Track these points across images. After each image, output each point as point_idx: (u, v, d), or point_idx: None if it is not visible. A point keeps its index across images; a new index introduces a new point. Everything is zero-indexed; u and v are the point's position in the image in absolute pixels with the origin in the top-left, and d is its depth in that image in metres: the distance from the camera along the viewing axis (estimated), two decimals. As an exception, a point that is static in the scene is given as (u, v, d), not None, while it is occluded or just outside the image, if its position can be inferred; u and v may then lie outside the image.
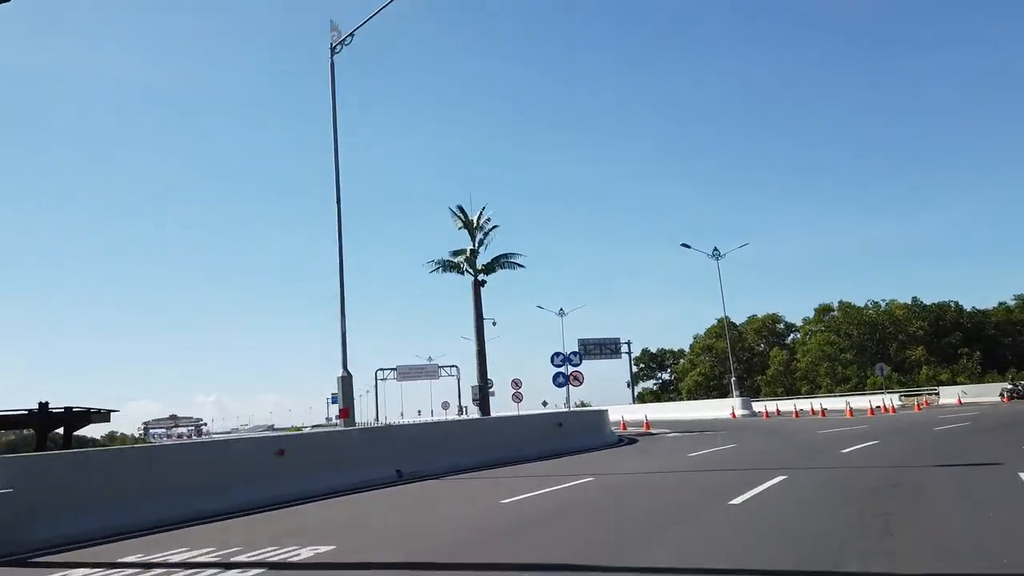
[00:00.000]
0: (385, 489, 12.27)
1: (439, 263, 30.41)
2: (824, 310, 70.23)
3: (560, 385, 37.01)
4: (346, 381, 15.23)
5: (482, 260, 30.38)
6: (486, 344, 29.86)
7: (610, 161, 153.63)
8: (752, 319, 79.70)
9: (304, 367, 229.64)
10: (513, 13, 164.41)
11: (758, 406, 46.19)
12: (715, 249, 41.98)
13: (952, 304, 65.70)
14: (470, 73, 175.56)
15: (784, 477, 10.16)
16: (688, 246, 42.28)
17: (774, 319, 79.10)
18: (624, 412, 45.56)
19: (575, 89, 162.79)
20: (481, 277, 30.20)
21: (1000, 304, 69.86)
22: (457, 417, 59.94)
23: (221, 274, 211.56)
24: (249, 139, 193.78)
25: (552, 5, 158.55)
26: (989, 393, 41.70)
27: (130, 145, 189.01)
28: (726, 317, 65.79)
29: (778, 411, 41.17)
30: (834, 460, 12.68)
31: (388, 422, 75.00)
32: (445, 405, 62.21)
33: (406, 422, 70.51)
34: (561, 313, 63.04)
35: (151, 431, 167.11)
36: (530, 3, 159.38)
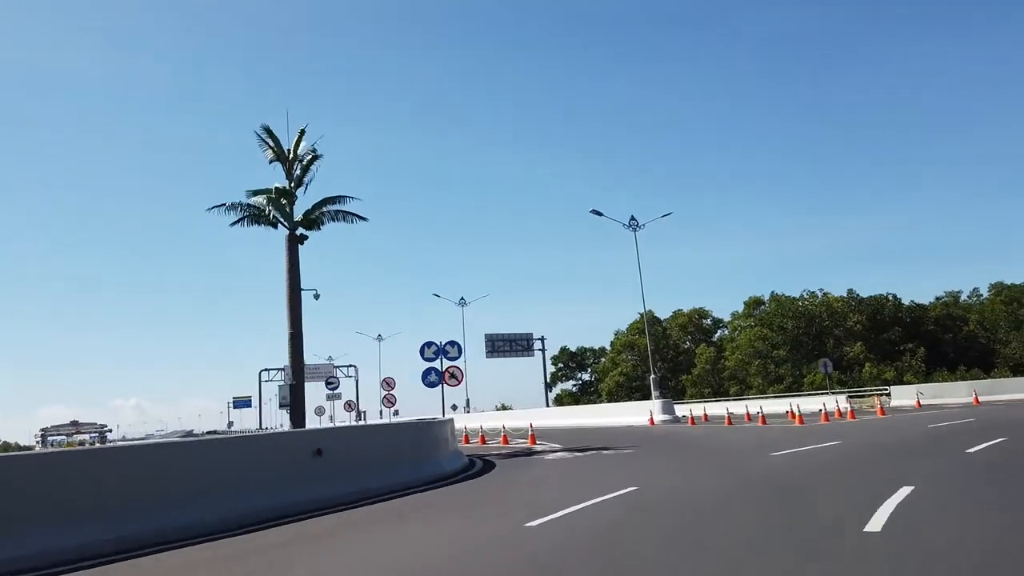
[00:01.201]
0: None
1: (240, 210, 21.28)
2: (754, 303, 63.91)
3: (432, 384, 28.51)
4: None
5: (302, 207, 21.54)
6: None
7: (533, 162, 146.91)
8: (677, 314, 72.95)
9: (228, 368, 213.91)
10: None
11: (683, 409, 38.81)
12: (632, 219, 34.23)
13: (890, 297, 60.25)
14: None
15: None
16: (600, 213, 34.42)
17: (701, 314, 72.56)
18: (510, 419, 37.63)
19: (498, 91, 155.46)
20: (300, 232, 21.33)
21: (938, 299, 65.21)
22: (324, 426, 50.28)
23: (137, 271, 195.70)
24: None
25: None
26: (948, 393, 35.32)
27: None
28: (648, 311, 58.70)
29: (706, 416, 33.73)
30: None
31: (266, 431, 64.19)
32: (319, 411, 52.98)
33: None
34: (462, 303, 54.37)
35: (49, 438, 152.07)
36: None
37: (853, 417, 24.54)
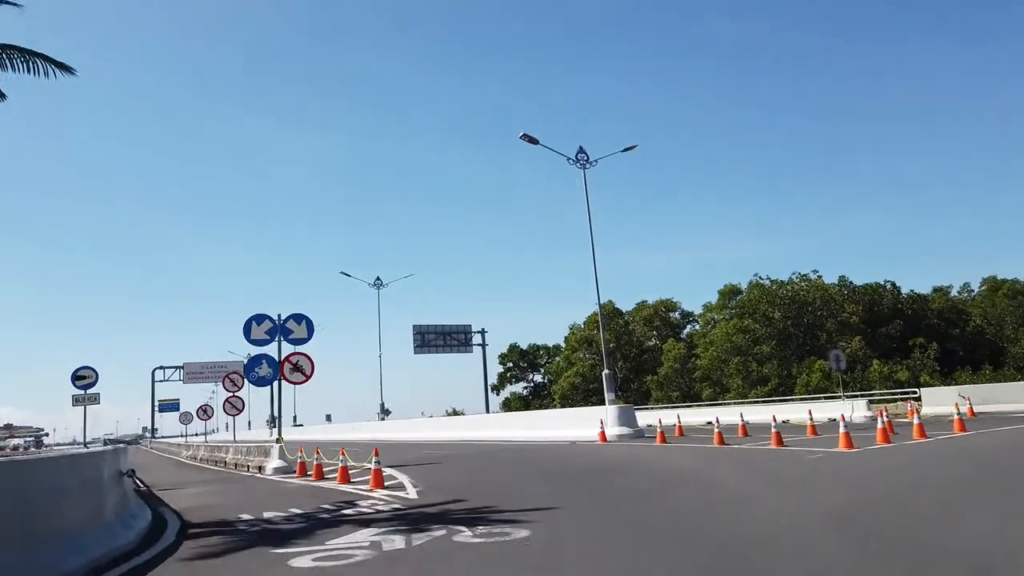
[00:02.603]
0: None
1: None
2: (731, 292, 54.80)
3: (262, 382, 18.53)
4: None
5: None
6: None
7: (488, 161, 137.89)
8: (641, 306, 63.46)
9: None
10: None
11: (648, 417, 29.42)
12: (580, 150, 24.53)
13: (888, 285, 51.66)
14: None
15: None
16: (535, 140, 24.68)
17: (668, 306, 63.20)
18: (440, 430, 27.79)
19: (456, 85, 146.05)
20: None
21: (936, 290, 56.93)
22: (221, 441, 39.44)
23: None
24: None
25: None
26: (999, 398, 26.32)
27: None
28: (608, 301, 49.31)
29: (680, 428, 24.18)
30: None
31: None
32: (186, 418, 41.86)
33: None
34: (378, 284, 44.19)
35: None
36: None
37: (923, 435, 15.11)
